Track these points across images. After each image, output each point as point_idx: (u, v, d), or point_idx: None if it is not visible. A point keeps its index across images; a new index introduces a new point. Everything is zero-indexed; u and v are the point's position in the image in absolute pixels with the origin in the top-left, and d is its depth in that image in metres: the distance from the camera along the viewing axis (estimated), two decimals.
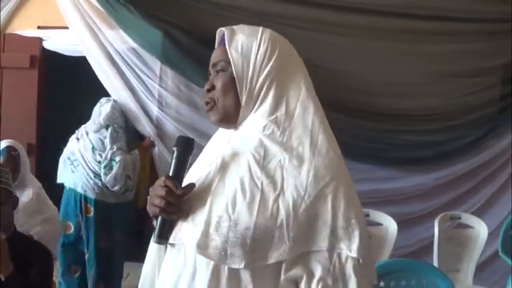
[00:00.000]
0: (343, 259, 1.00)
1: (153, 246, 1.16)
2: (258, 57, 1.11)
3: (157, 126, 3.77)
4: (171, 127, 3.74)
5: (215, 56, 1.16)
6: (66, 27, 3.81)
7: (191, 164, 1.17)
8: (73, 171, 3.44)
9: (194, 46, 3.64)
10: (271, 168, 1.05)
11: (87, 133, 3.46)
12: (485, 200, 3.81)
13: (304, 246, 1.00)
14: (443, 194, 3.81)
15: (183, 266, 1.06)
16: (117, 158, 3.39)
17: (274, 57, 1.11)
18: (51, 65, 4.10)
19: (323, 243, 1.00)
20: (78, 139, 3.47)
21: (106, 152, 3.39)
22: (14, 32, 4.02)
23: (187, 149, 1.12)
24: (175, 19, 3.70)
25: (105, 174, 3.36)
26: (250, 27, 1.16)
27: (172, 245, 1.09)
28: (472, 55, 3.83)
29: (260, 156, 1.06)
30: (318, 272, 1.00)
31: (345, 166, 1.09)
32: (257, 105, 1.11)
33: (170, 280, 1.09)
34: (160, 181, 1.08)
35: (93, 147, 3.41)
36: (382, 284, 2.16)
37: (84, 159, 3.41)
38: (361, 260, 1.00)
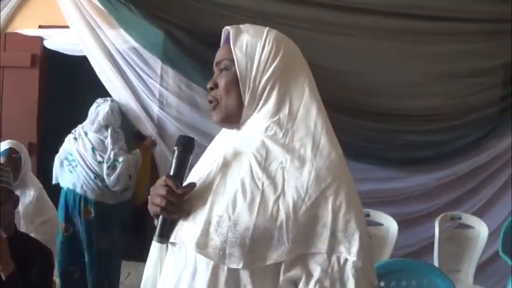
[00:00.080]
0: (342, 262, 1.00)
1: (154, 246, 1.17)
2: (262, 57, 1.11)
3: (158, 125, 3.77)
4: (172, 127, 3.74)
5: (219, 55, 1.16)
6: (67, 27, 3.81)
7: (193, 164, 1.18)
8: (71, 172, 3.42)
9: (195, 46, 3.64)
10: (272, 170, 1.05)
11: (85, 133, 3.44)
12: (486, 200, 3.80)
13: (304, 248, 1.00)
14: (443, 194, 3.80)
15: (184, 265, 1.07)
16: (120, 158, 3.39)
17: (278, 58, 1.11)
18: (52, 64, 4.10)
19: (323, 245, 1.00)
20: (76, 139, 3.45)
21: (108, 152, 3.39)
22: (15, 31, 4.02)
23: (188, 149, 1.12)
24: (176, 19, 3.70)
25: (108, 174, 3.36)
26: (255, 27, 1.16)
27: (173, 244, 1.10)
28: (473, 55, 3.83)
29: (262, 157, 1.06)
30: (317, 273, 1.00)
31: (347, 167, 1.08)
32: (260, 105, 1.11)
33: (171, 279, 1.09)
34: (161, 180, 1.08)
35: (93, 148, 3.40)
36: (382, 284, 2.16)
37: (83, 160, 3.40)
38: (360, 263, 0.99)
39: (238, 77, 1.11)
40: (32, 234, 2.56)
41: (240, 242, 0.99)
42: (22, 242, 2.12)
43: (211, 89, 1.15)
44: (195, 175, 1.14)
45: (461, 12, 3.78)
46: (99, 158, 3.39)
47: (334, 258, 1.00)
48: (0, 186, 2.07)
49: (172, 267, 1.10)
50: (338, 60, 3.65)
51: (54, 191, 3.46)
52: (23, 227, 2.75)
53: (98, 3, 3.68)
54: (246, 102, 1.11)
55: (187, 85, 3.75)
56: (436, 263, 3.05)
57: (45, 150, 3.65)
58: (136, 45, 3.71)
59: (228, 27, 1.16)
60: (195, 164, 1.20)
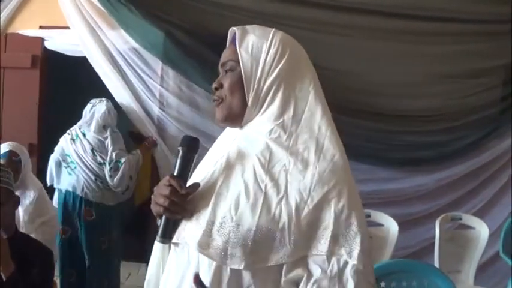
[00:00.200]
0: (342, 264, 1.00)
1: (157, 246, 1.17)
2: (268, 59, 1.11)
3: (159, 126, 3.77)
4: (172, 127, 3.74)
5: (225, 56, 1.16)
6: (68, 27, 3.81)
7: (196, 164, 1.18)
8: (70, 174, 3.41)
9: (196, 46, 3.64)
10: (275, 172, 1.05)
11: (84, 134, 3.42)
12: (487, 201, 3.81)
13: (305, 250, 1.01)
14: (444, 195, 3.80)
15: (187, 265, 1.07)
16: (122, 159, 3.39)
17: (283, 60, 1.11)
18: (52, 64, 4.10)
19: (324, 248, 1.00)
20: (73, 140, 3.42)
21: (109, 153, 3.37)
22: (16, 32, 4.01)
23: (193, 149, 1.12)
24: (176, 19, 3.70)
25: (111, 176, 3.35)
26: (262, 28, 1.16)
27: (176, 244, 1.10)
28: (473, 56, 3.83)
29: (265, 159, 1.07)
30: (317, 275, 1.00)
31: (350, 170, 1.08)
32: (264, 107, 1.11)
33: (174, 279, 1.09)
34: (165, 180, 1.08)
35: (92, 149, 3.38)
36: (383, 284, 2.16)
37: (83, 161, 3.38)
38: (361, 267, 0.99)
39: (243, 78, 1.11)
40: (32, 235, 2.56)
41: (242, 243, 1.00)
42: (22, 243, 2.12)
43: (216, 89, 1.15)
44: (198, 175, 1.14)
45: (462, 13, 3.79)
46: (99, 159, 3.37)
47: (334, 260, 1.00)
48: (1, 187, 2.07)
49: (175, 267, 1.10)
50: (337, 60, 3.65)
51: (54, 190, 3.46)
52: (23, 228, 2.75)
53: (98, 4, 3.68)
54: (249, 103, 1.11)
55: (188, 86, 3.76)
56: (436, 264, 3.04)
57: (46, 150, 3.65)
58: (136, 45, 3.71)
59: (234, 28, 1.16)
60: (199, 163, 1.20)
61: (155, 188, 1.10)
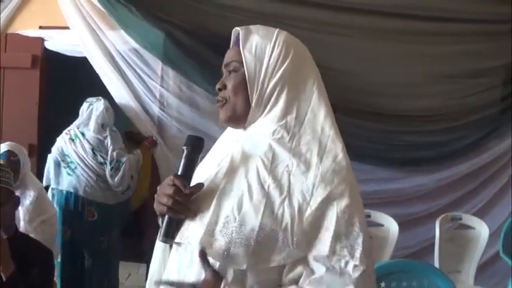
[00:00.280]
0: (344, 265, 1.00)
1: (159, 246, 1.17)
2: (271, 60, 1.10)
3: (159, 126, 3.77)
4: (173, 127, 3.74)
5: (228, 56, 1.16)
6: (68, 28, 3.81)
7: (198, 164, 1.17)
8: (70, 174, 3.40)
9: (196, 47, 3.64)
10: (278, 173, 1.05)
11: (83, 134, 3.41)
12: (487, 201, 3.81)
13: (307, 251, 1.01)
14: (444, 195, 3.80)
15: (190, 265, 1.07)
16: (123, 159, 3.39)
17: (287, 61, 1.11)
18: (52, 65, 4.10)
19: (326, 248, 1.00)
20: (72, 140, 3.40)
21: (110, 152, 3.37)
22: (16, 32, 4.01)
23: (197, 149, 1.12)
24: (176, 19, 3.69)
25: (112, 176, 3.34)
26: (265, 29, 1.16)
27: (179, 244, 1.09)
28: (473, 56, 3.83)
29: (268, 160, 1.07)
30: (319, 273, 1.00)
31: (352, 171, 1.08)
32: (268, 108, 1.11)
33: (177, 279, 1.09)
34: (169, 179, 1.07)
35: (93, 149, 3.37)
36: (383, 284, 2.16)
37: (83, 162, 3.37)
38: (363, 267, 1.00)
39: (247, 79, 1.11)
40: (31, 234, 2.57)
41: (244, 243, 1.00)
42: (22, 243, 2.13)
43: (220, 90, 1.15)
44: (201, 175, 1.13)
45: (462, 13, 3.79)
46: (100, 159, 3.37)
47: (336, 260, 1.00)
48: (1, 187, 2.07)
49: (178, 267, 1.10)
50: (337, 60, 3.65)
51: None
52: (22, 228, 2.75)
53: (98, 4, 3.67)
54: (253, 104, 1.11)
55: (188, 86, 3.75)
56: (436, 264, 3.04)
57: (46, 151, 3.65)
58: (136, 46, 3.71)
59: (237, 28, 1.15)
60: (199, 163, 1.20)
61: (159, 187, 1.10)
